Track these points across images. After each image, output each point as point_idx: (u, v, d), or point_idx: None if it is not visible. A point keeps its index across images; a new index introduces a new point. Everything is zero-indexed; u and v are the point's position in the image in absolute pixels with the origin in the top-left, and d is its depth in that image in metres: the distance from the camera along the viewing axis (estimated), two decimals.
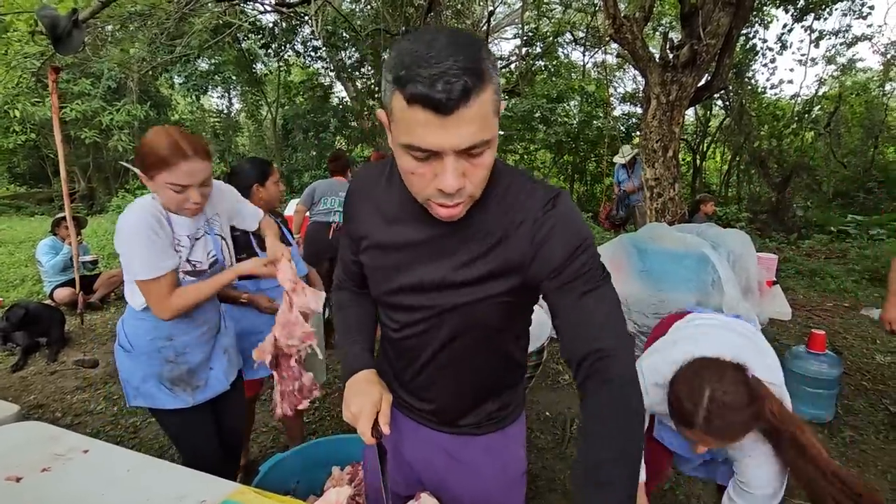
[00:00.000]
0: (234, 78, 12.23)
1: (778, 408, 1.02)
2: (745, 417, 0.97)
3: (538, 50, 10.94)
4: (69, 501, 0.91)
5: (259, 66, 12.30)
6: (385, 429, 0.77)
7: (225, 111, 15.29)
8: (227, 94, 14.37)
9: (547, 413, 2.66)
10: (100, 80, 9.10)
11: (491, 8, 9.04)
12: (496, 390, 0.91)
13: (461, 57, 0.54)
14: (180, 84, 11.11)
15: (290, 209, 3.88)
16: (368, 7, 8.79)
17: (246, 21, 7.71)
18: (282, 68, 11.81)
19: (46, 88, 5.17)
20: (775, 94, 10.43)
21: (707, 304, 2.25)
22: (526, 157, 13.03)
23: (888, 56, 10.08)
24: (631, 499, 0.62)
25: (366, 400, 0.78)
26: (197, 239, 1.35)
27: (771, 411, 1.00)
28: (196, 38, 6.30)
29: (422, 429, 0.94)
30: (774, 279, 2.88)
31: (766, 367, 1.18)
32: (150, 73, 6.91)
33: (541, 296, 0.78)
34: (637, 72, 6.10)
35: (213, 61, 10.95)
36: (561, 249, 0.69)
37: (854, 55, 10.07)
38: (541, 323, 1.90)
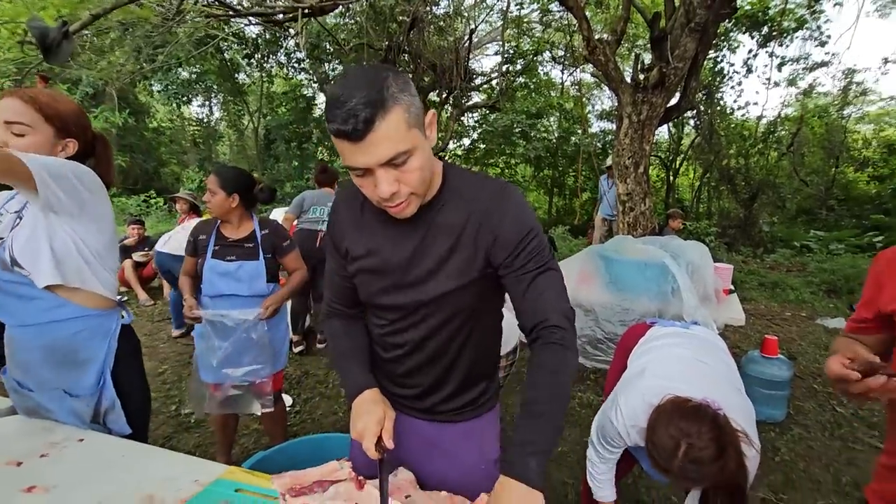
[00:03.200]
0: (215, 87, 12.22)
1: (734, 464, 1.08)
2: (714, 470, 1.07)
3: (518, 67, 11.25)
4: (69, 482, 0.98)
5: (241, 75, 12.32)
6: (389, 444, 0.84)
7: (205, 120, 15.19)
8: (207, 103, 14.31)
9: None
10: (77, 86, 9.01)
11: (473, 26, 9.30)
12: (475, 378, 1.02)
13: (364, 93, 0.68)
14: (160, 92, 11.05)
15: (275, 217, 3.97)
16: (353, 22, 8.94)
17: (230, 33, 7.78)
18: (264, 79, 11.86)
19: None
20: (743, 115, 10.94)
21: (667, 311, 2.41)
22: (507, 170, 13.30)
23: (845, 82, 10.70)
24: (557, 430, 0.77)
25: (370, 419, 0.85)
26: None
27: (730, 469, 1.07)
28: (179, 49, 6.35)
29: (401, 416, 1.01)
30: (731, 288, 3.08)
31: (734, 396, 1.27)
32: (129, 80, 6.90)
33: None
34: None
35: (194, 70, 10.94)
36: (514, 236, 0.83)
37: (815, 80, 10.65)
38: (512, 325, 2.02)
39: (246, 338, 1.89)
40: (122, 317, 1.34)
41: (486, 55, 13.73)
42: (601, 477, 1.41)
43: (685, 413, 1.12)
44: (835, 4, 8.02)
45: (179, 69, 10.28)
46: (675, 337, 1.59)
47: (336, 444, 1.94)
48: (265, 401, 2.01)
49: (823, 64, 9.88)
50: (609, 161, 5.96)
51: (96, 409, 1.26)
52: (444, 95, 9.88)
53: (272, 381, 2.03)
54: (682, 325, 1.72)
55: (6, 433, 1.17)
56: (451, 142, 11.63)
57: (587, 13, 5.54)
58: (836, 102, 11.44)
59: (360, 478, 0.88)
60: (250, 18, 5.78)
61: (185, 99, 11.47)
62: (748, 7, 8.66)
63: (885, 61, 10.14)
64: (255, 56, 10.56)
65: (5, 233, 1.16)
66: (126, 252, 4.97)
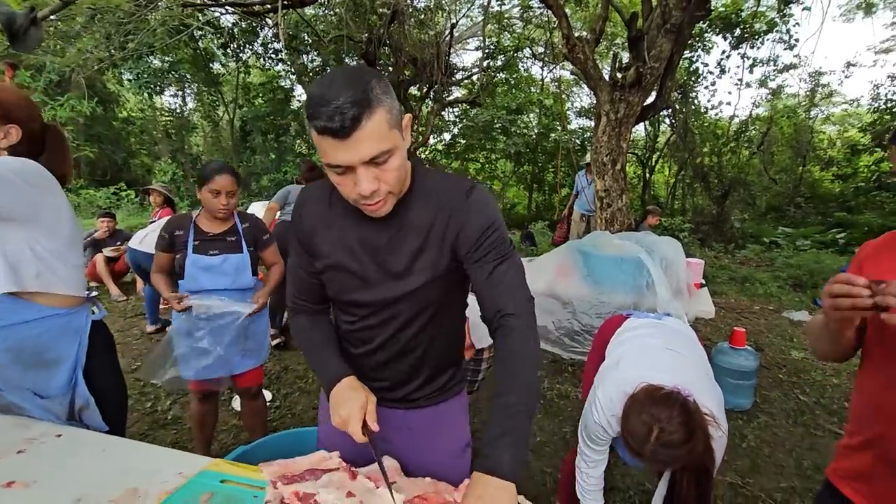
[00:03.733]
0: (189, 77, 11.87)
1: (702, 446, 1.15)
2: (684, 452, 1.13)
3: (499, 63, 11.29)
4: (49, 478, 0.97)
5: (216, 65, 12.01)
6: (374, 426, 0.87)
7: (178, 110, 14.75)
8: (180, 93, 13.90)
9: None
10: (41, 73, 8.64)
11: (454, 20, 9.28)
12: (443, 367, 1.06)
13: (350, 92, 0.70)
14: (131, 81, 10.69)
15: (254, 211, 3.93)
16: (332, 13, 8.82)
17: (205, 21, 7.58)
18: (240, 69, 11.59)
19: None
20: (716, 115, 11.24)
21: (642, 304, 2.49)
22: (487, 165, 13.36)
23: (812, 84, 11.10)
24: (527, 417, 0.79)
25: (352, 404, 0.87)
26: None
27: (698, 451, 1.15)
28: (150, 36, 6.16)
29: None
30: (702, 281, 3.19)
31: (703, 382, 1.34)
32: (98, 68, 6.64)
33: None
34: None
35: (167, 59, 10.61)
36: (476, 230, 0.87)
37: (783, 81, 11.01)
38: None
39: (236, 328, 1.89)
40: (94, 312, 1.31)
41: (467, 50, 13.74)
42: (591, 489, 1.44)
43: (657, 400, 1.18)
44: (803, 8, 8.29)
45: (151, 58, 9.96)
46: (649, 328, 1.65)
47: (313, 438, 1.95)
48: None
49: (792, 66, 10.23)
50: (588, 157, 6.02)
51: (71, 408, 1.24)
52: (424, 90, 9.85)
53: (254, 375, 2.04)
54: (656, 316, 1.78)
55: None
56: (431, 137, 11.60)
57: (566, 11, 5.60)
58: (803, 103, 11.86)
59: (353, 468, 0.90)
60: (227, 8, 5.65)
61: (156, 88, 11.12)
62: (722, 9, 8.89)
63: (848, 65, 10.55)
64: (231, 46, 10.31)
65: None
66: (96, 246, 4.83)
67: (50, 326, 1.18)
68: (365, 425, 0.87)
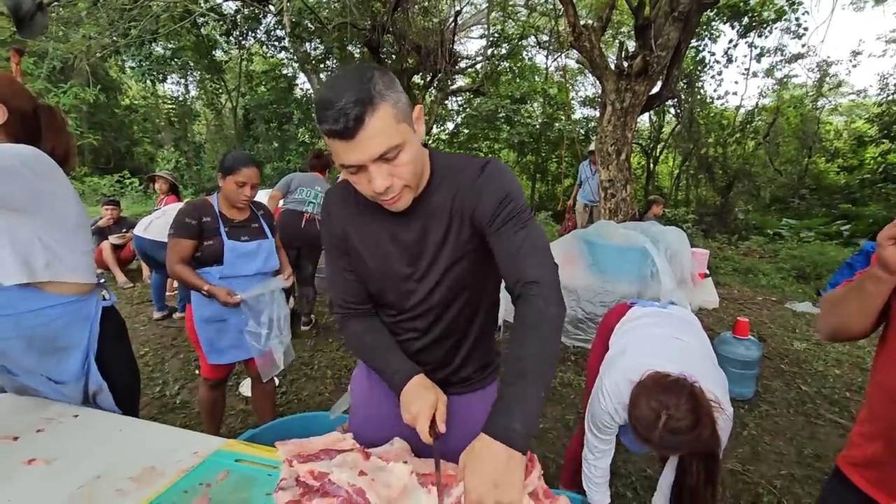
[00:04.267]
0: (191, 64, 11.81)
1: (708, 432, 1.16)
2: (691, 438, 1.14)
3: (503, 51, 11.19)
4: (67, 456, 0.99)
5: (219, 53, 11.93)
6: (442, 427, 0.85)
7: (181, 98, 14.70)
8: (183, 81, 13.84)
9: None
10: (43, 60, 8.60)
11: (458, 7, 9.18)
12: (480, 351, 1.08)
13: (352, 92, 0.71)
14: (134, 68, 10.65)
15: (262, 199, 3.94)
16: (336, 1, 8.74)
17: (207, 8, 7.52)
18: (243, 57, 11.52)
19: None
20: (722, 104, 11.14)
21: (646, 293, 2.50)
22: (490, 155, 13.29)
23: (820, 74, 10.97)
24: (541, 387, 0.75)
25: (423, 403, 0.86)
26: None
27: (705, 436, 1.15)
28: (153, 22, 6.12)
29: None
30: (706, 272, 3.20)
31: (708, 368, 1.36)
32: (102, 55, 6.61)
33: None
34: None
35: (169, 46, 10.55)
36: (492, 201, 0.86)
37: (790, 71, 10.89)
38: None
39: (275, 307, 2.00)
40: (104, 298, 1.32)
41: (471, 38, 13.61)
42: (598, 480, 1.46)
43: (664, 387, 1.20)
44: None
45: (154, 45, 9.91)
46: (654, 317, 1.66)
47: (324, 422, 1.98)
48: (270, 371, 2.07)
49: (800, 56, 10.10)
50: (592, 146, 5.96)
51: (85, 392, 1.26)
52: (428, 78, 9.78)
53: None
54: (661, 305, 1.79)
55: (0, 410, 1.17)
56: (434, 126, 11.55)
57: None
58: (810, 94, 11.74)
59: (366, 449, 0.92)
60: None
61: (159, 76, 11.07)
62: None
63: (854, 54, 10.41)
64: (234, 33, 10.24)
65: None
66: (101, 234, 4.85)
67: (61, 314, 1.19)
68: (433, 425, 0.85)
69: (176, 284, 4.09)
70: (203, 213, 1.87)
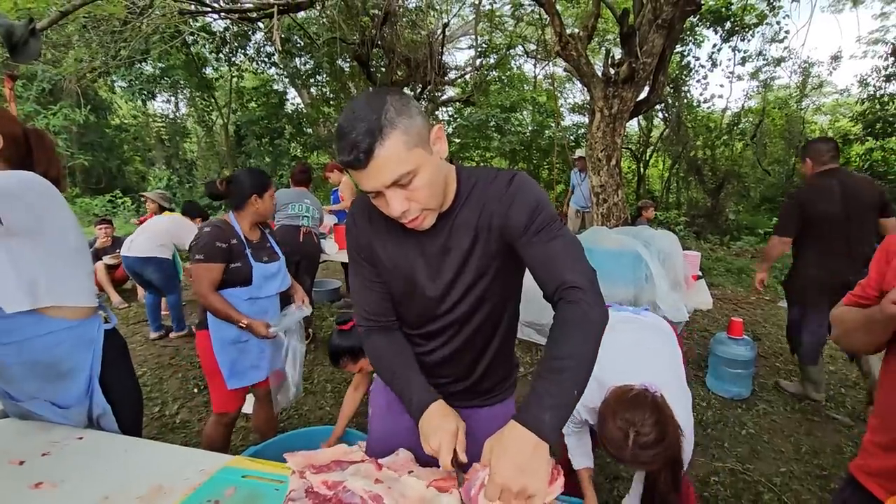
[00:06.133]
0: (182, 82, 11.84)
1: (675, 439, 1.18)
2: (661, 450, 1.15)
3: (492, 61, 11.33)
4: (74, 479, 1.00)
5: (209, 70, 11.99)
6: (462, 457, 0.85)
7: (171, 116, 14.71)
8: (173, 99, 13.86)
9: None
10: (32, 82, 8.61)
11: (445, 20, 9.31)
12: (499, 364, 1.09)
13: (363, 124, 0.74)
14: (123, 88, 10.67)
15: None
16: (324, 16, 8.83)
17: (197, 27, 7.58)
18: (233, 73, 11.58)
19: None
20: (708, 108, 11.30)
21: (641, 296, 2.54)
22: (482, 164, 13.38)
23: (802, 75, 11.18)
24: (578, 386, 0.76)
25: (444, 435, 0.85)
26: None
27: (674, 445, 1.18)
28: (144, 42, 6.16)
29: None
30: (699, 274, 3.24)
31: (668, 375, 1.39)
32: (88, 76, 6.62)
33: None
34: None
35: (159, 65, 10.59)
36: (524, 212, 0.87)
37: (774, 73, 11.08)
38: None
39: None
40: (106, 321, 1.32)
41: (459, 49, 13.75)
42: (573, 450, 1.57)
43: (627, 403, 1.20)
44: (792, 0, 8.38)
45: (144, 64, 9.95)
46: (624, 322, 1.69)
47: (326, 437, 1.98)
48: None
49: (782, 59, 10.31)
50: (578, 152, 6.03)
51: (89, 415, 1.27)
52: (418, 90, 9.87)
53: (277, 375, 2.09)
54: (634, 310, 1.83)
55: (4, 435, 1.17)
56: None
57: (558, 8, 5.64)
58: (794, 95, 11.94)
59: (378, 460, 0.92)
60: (222, 14, 5.66)
61: (151, 95, 11.10)
62: (712, 2, 8.95)
63: (834, 58, 10.63)
64: (223, 50, 10.30)
65: None
66: (96, 255, 4.84)
67: (63, 339, 1.19)
68: (455, 456, 0.85)
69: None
70: (230, 235, 1.83)
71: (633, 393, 1.21)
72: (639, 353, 1.49)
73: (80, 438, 1.16)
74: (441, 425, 0.86)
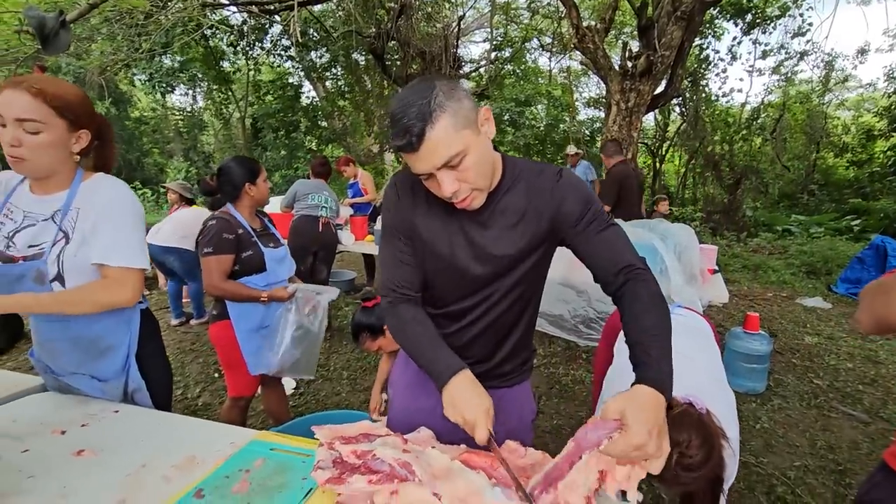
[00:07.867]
0: (200, 75, 12.01)
1: (719, 458, 1.08)
2: (706, 472, 1.05)
3: (507, 54, 11.27)
4: (112, 448, 1.06)
5: (226, 63, 12.12)
6: (490, 429, 0.86)
7: (189, 109, 14.93)
8: (191, 92, 14.06)
9: None
10: (57, 75, 8.83)
11: (461, 12, 9.28)
12: (522, 346, 1.13)
13: (414, 109, 0.78)
14: (144, 81, 10.84)
15: (275, 207, 4.03)
16: (340, 8, 8.86)
17: (216, 20, 7.66)
18: (251, 67, 11.70)
19: None
20: (727, 102, 11.13)
21: None
22: None
23: (825, 69, 10.92)
24: (670, 353, 0.82)
25: (479, 410, 0.84)
26: (31, 225, 1.15)
27: (719, 465, 1.08)
28: (165, 35, 6.25)
29: None
30: (715, 268, 3.22)
31: (712, 384, 1.28)
32: (110, 69, 6.76)
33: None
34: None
35: (178, 58, 10.75)
36: (577, 206, 0.93)
37: (795, 66, 10.85)
38: None
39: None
40: (140, 301, 1.39)
41: (474, 42, 13.70)
42: None
43: (671, 422, 1.01)
44: None
45: (163, 57, 10.10)
46: None
47: (342, 420, 2.03)
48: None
49: (805, 53, 10.08)
50: (569, 149, 5.94)
51: (124, 390, 1.33)
52: None
53: None
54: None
55: (44, 407, 1.24)
56: None
57: (575, 0, 5.60)
58: (817, 89, 11.68)
59: (403, 435, 0.95)
60: (241, 6, 5.73)
61: (170, 88, 11.28)
62: None
63: (861, 52, 10.35)
64: (241, 43, 10.41)
65: (45, 245, 1.13)
66: None
67: (105, 316, 1.26)
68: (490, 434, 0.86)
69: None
70: (236, 226, 1.86)
71: (677, 411, 1.09)
72: (677, 365, 1.36)
73: (116, 412, 1.22)
74: (473, 400, 0.86)
